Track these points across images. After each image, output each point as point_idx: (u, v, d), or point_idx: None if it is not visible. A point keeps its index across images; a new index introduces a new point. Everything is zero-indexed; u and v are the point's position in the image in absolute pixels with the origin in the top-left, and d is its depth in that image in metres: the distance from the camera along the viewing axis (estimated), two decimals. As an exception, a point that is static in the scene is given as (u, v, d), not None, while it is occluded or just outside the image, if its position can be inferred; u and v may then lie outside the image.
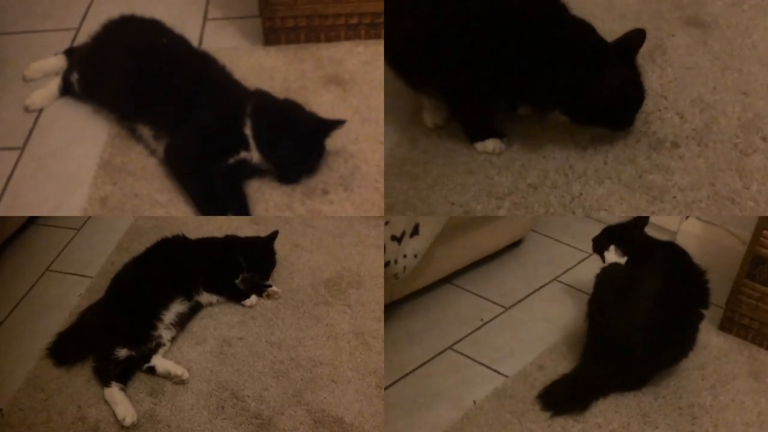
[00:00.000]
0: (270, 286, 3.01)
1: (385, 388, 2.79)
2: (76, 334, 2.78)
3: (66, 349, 2.72)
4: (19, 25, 3.47)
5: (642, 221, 3.04)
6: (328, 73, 3.16)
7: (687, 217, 3.60)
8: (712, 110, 2.82)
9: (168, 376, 2.61)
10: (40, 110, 3.00)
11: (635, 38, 2.63)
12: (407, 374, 2.90)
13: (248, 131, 2.67)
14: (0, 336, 2.90)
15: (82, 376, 2.64)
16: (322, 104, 3.00)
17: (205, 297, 2.92)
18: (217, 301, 2.96)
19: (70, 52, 3.14)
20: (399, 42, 2.72)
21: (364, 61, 3.22)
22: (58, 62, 3.11)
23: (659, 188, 2.58)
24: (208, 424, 2.48)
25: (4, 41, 3.37)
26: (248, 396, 2.58)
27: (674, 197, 2.55)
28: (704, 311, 2.83)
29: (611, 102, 2.62)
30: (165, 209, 2.65)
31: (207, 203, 2.67)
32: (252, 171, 2.74)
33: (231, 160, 2.69)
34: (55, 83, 3.03)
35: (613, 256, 2.98)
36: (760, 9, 3.26)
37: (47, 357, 2.70)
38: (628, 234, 3.02)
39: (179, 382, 2.61)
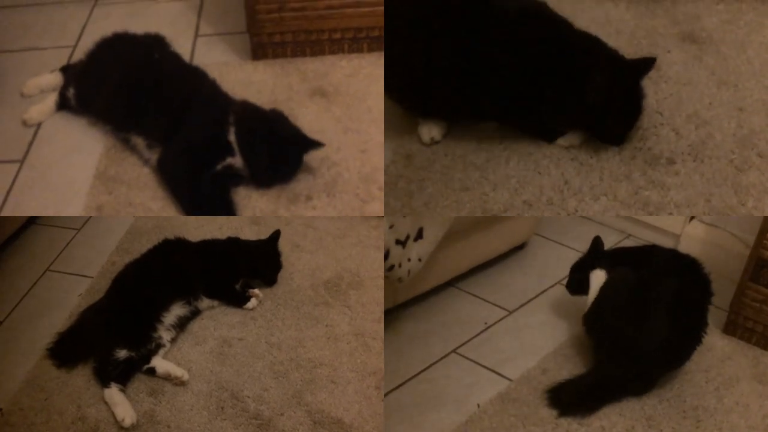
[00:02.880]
0: (252, 288, 3.03)
1: (389, 392, 2.79)
2: (76, 334, 2.78)
3: (66, 350, 2.73)
4: (18, 43, 3.55)
5: (598, 242, 3.08)
6: (313, 86, 3.23)
7: (691, 219, 3.59)
8: (708, 126, 2.82)
9: (168, 378, 2.61)
10: (39, 124, 3.07)
11: (644, 62, 2.66)
12: (411, 378, 2.89)
13: (232, 137, 2.73)
14: (0, 335, 2.91)
15: (82, 375, 2.64)
16: (307, 115, 3.05)
17: (205, 303, 2.93)
18: (218, 304, 2.96)
19: (66, 69, 3.20)
20: (412, 80, 2.76)
21: (348, 74, 3.29)
22: (55, 79, 3.17)
23: (655, 204, 2.57)
24: (208, 424, 2.48)
25: (3, 59, 3.43)
26: (248, 397, 2.57)
27: (670, 214, 2.55)
28: (709, 305, 2.83)
29: (595, 104, 2.62)
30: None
31: (197, 213, 2.74)
32: (240, 177, 2.80)
33: (219, 167, 2.74)
34: (52, 98, 3.09)
35: (600, 279, 2.96)
36: (755, 25, 3.26)
37: (48, 358, 2.71)
38: (597, 258, 3.03)
39: (179, 383, 2.61)
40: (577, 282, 3.06)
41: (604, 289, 2.89)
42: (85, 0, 3.79)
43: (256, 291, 3.00)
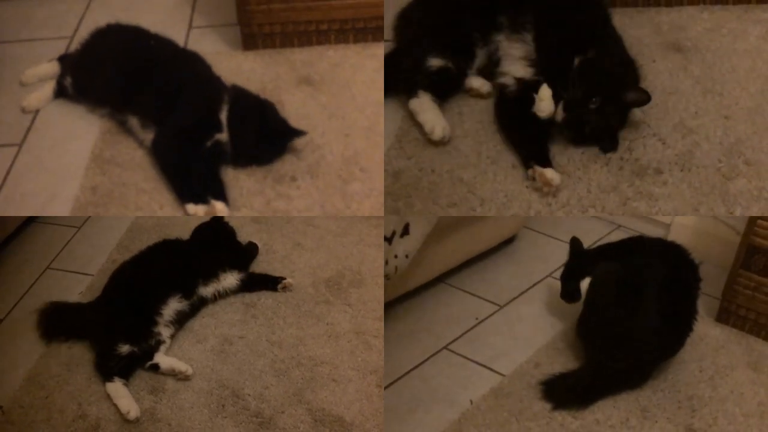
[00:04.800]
0: (284, 278, 3.06)
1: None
2: (67, 311, 2.89)
3: (53, 322, 2.83)
4: (18, 34, 3.63)
5: (576, 243, 3.11)
6: (300, 75, 3.33)
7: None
8: (695, 135, 2.84)
9: (172, 373, 2.63)
10: (37, 111, 3.14)
11: None
12: (403, 375, 2.89)
13: (223, 115, 2.83)
14: (0, 333, 2.92)
15: (82, 374, 2.66)
16: (294, 102, 3.15)
17: (203, 292, 2.94)
18: (217, 293, 2.98)
19: (63, 59, 3.27)
20: None
21: (334, 64, 3.39)
22: (52, 68, 3.24)
23: (643, 215, 2.59)
24: (209, 422, 2.50)
25: (3, 49, 3.49)
26: (249, 395, 2.59)
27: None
28: (698, 291, 2.85)
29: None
30: (149, 195, 2.79)
31: (187, 194, 2.76)
32: (225, 155, 2.88)
33: (208, 143, 2.82)
34: (49, 86, 3.16)
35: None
36: (738, 33, 3.27)
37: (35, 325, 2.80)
38: (581, 261, 3.06)
39: (183, 378, 2.63)
40: (570, 291, 3.05)
41: (591, 286, 2.90)
42: (83, -8, 3.88)
43: (290, 280, 3.06)
